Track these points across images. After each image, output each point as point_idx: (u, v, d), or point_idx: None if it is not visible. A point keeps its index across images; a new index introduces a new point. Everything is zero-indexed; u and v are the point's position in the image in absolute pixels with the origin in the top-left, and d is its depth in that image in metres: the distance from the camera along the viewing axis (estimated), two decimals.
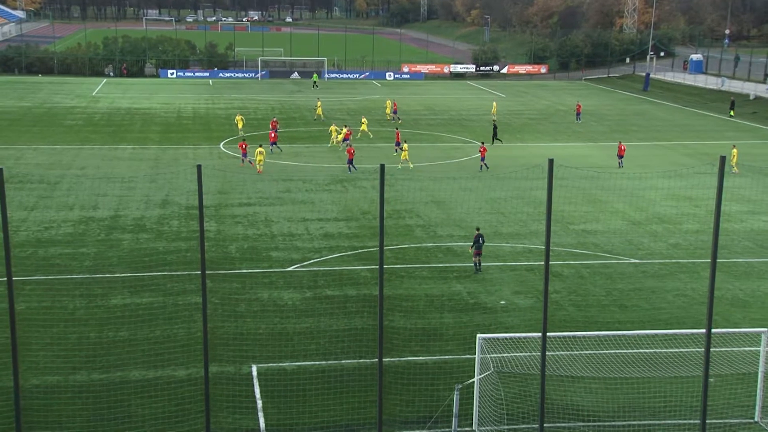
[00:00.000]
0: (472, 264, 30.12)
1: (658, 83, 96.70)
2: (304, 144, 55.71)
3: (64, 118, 65.68)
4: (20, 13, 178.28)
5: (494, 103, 72.46)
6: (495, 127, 57.02)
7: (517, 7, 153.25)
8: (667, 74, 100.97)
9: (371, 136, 55.99)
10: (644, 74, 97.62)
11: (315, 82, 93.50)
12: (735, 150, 48.23)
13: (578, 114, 69.73)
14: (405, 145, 47.87)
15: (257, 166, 45.57)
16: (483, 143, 49.05)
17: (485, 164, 46.95)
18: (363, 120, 58.67)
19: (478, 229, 30.32)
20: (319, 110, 66.67)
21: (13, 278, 14.98)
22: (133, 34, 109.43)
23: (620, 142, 50.80)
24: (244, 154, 47.30)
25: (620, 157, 49.39)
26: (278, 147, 51.89)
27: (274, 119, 58.30)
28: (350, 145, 48.87)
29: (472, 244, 30.15)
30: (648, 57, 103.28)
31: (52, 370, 21.72)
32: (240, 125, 57.94)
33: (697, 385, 19.86)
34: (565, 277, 30.14)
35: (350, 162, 46.06)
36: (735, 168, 47.33)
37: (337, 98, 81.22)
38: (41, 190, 41.49)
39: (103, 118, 66.26)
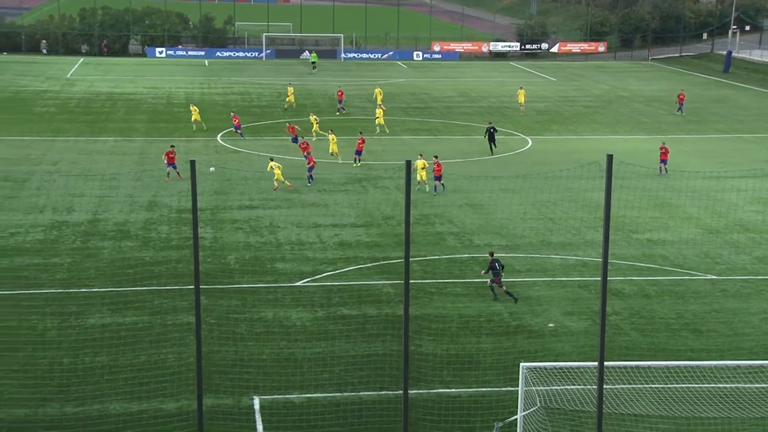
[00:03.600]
0: (491, 289, 29.26)
1: (741, 63, 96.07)
2: (315, 136, 55.95)
3: (34, 104, 66.43)
4: None
5: (521, 90, 68.17)
6: (493, 132, 51.75)
7: None
8: (754, 52, 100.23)
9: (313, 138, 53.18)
10: (725, 53, 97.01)
11: (314, 63, 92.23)
12: None
13: (680, 105, 66.62)
14: (332, 136, 47.76)
15: (275, 182, 42.49)
16: (436, 157, 43.15)
17: (442, 183, 42.47)
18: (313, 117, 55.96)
19: (492, 254, 29.67)
20: (291, 97, 66.49)
21: None
22: (115, 5, 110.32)
23: (663, 144, 47.85)
24: (171, 164, 43.69)
25: (663, 161, 46.74)
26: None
27: (234, 115, 56.26)
28: (308, 148, 46.17)
29: (486, 269, 29.40)
30: (730, 32, 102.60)
31: (19, 402, 21.94)
32: (194, 117, 56.78)
33: None
34: (626, 295, 30.04)
35: (310, 170, 43.76)
36: None
37: (356, 82, 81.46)
38: (6, 189, 42.01)
39: (80, 104, 66.96)
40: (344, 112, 64.73)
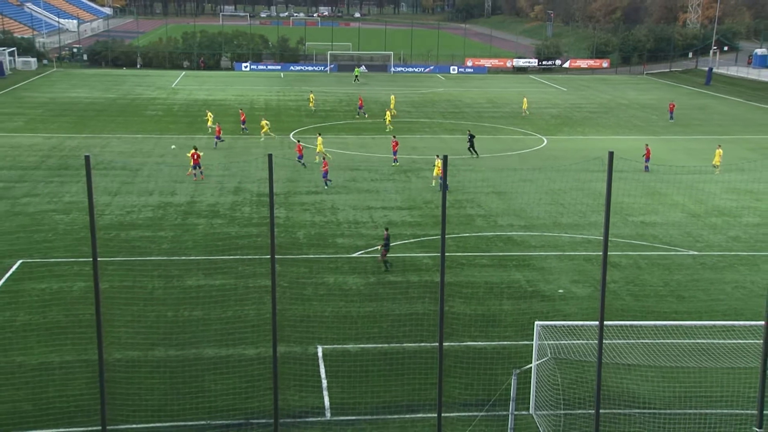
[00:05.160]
0: (384, 263, 28.57)
1: (720, 78, 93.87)
2: (370, 135, 55.88)
3: (146, 108, 67.19)
4: (107, 10, 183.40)
5: (524, 99, 67.77)
6: (471, 138, 48.13)
7: (581, 2, 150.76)
8: (731, 69, 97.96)
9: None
10: (707, 69, 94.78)
11: (356, 76, 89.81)
12: (719, 150, 45.00)
13: (671, 113, 64.90)
14: (320, 138, 45.82)
15: (196, 172, 41.15)
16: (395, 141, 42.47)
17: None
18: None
19: (387, 229, 29.07)
20: (312, 103, 65.98)
21: (98, 259, 15.46)
22: (211, 29, 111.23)
23: (647, 145, 46.15)
24: (196, 165, 41.47)
25: (646, 160, 44.50)
26: (221, 140, 49.90)
27: (242, 111, 54.61)
28: (324, 157, 43.10)
29: (383, 244, 28.68)
30: (711, 52, 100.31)
31: (133, 346, 22.37)
32: (210, 122, 55.20)
33: (754, 377, 19.34)
34: (623, 267, 29.61)
35: (325, 175, 40.26)
36: (717, 170, 44.37)
37: (402, 91, 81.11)
38: (124, 177, 42.59)
39: (181, 108, 67.55)
40: (365, 116, 63.54)
